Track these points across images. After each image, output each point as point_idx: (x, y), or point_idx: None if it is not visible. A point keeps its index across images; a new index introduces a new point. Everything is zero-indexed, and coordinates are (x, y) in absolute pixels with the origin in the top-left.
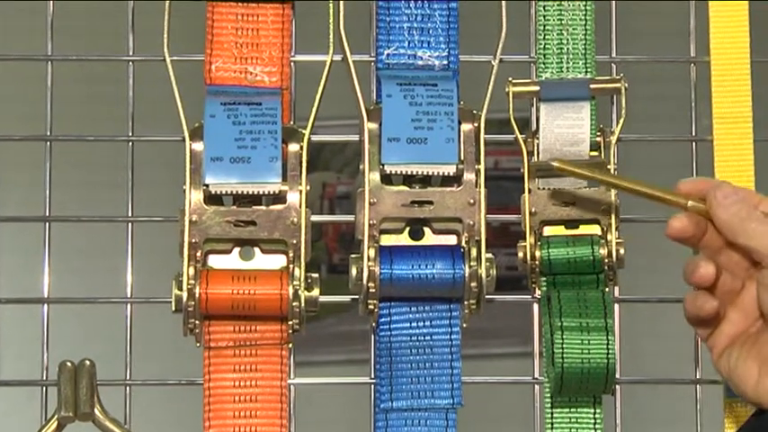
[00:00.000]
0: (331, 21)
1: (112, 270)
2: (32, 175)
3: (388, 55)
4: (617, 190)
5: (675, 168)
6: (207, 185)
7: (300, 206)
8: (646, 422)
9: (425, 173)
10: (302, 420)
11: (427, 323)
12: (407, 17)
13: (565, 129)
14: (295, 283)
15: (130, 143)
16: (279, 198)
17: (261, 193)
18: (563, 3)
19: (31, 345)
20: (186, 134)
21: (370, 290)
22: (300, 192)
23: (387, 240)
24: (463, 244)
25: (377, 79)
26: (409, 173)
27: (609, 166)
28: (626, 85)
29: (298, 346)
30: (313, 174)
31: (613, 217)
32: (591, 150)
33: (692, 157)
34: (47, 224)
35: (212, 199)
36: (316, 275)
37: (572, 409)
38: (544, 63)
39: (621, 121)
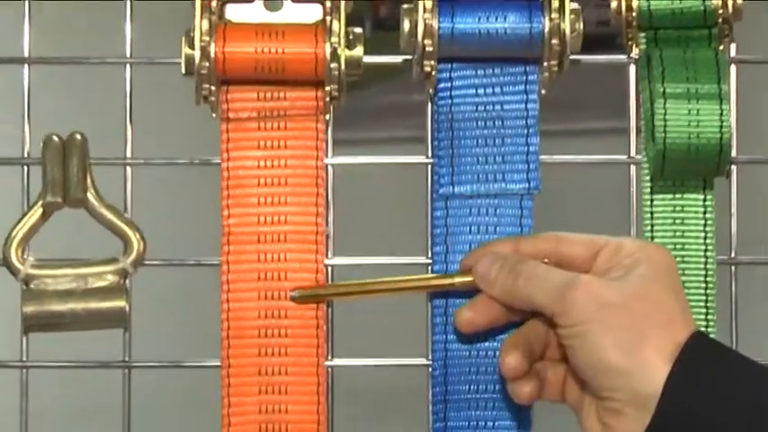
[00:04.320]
0: None
1: (109, 27)
2: None
3: None
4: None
5: None
6: None
7: None
8: (763, 207)
9: None
10: (341, 209)
11: (497, 89)
12: None
13: None
14: (333, 39)
15: None
16: None
17: None
18: None
19: (10, 117)
20: None
21: (427, 48)
22: None
23: None
24: None
25: None
26: None
27: None
28: None
29: (337, 119)
30: None
31: None
32: None
33: None
34: None
35: None
36: (359, 31)
37: (676, 195)
38: None
39: None
